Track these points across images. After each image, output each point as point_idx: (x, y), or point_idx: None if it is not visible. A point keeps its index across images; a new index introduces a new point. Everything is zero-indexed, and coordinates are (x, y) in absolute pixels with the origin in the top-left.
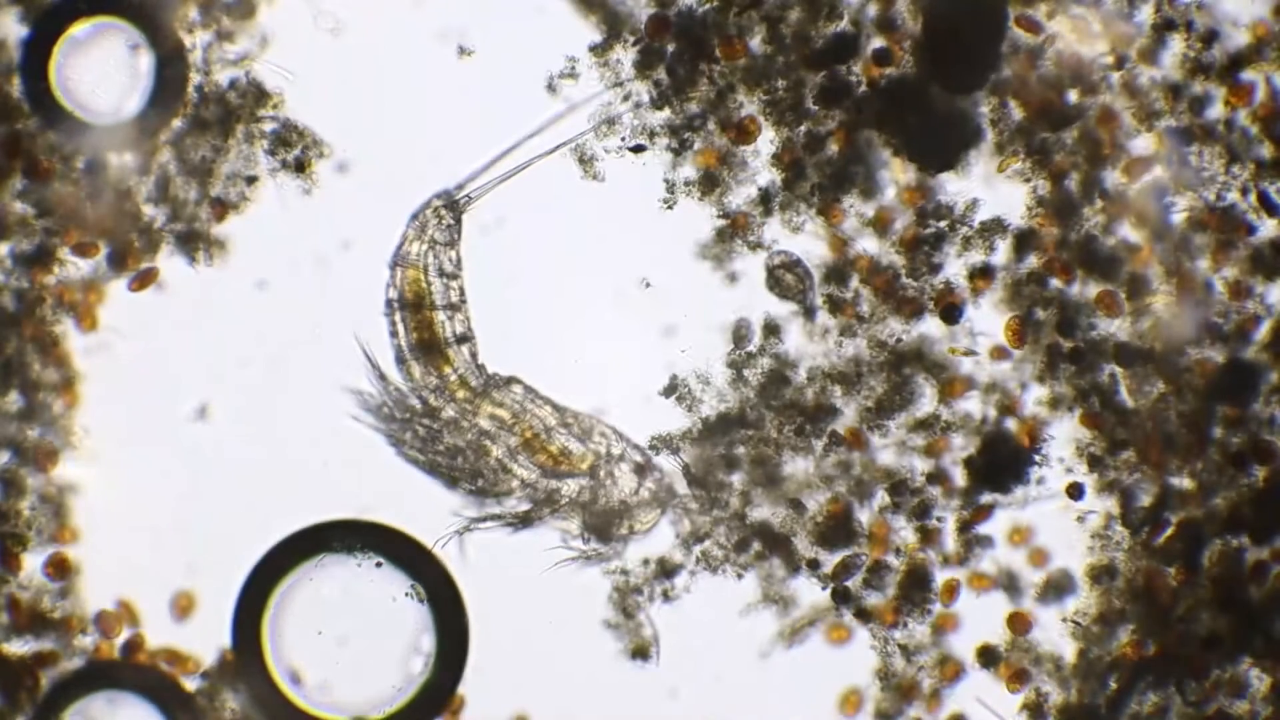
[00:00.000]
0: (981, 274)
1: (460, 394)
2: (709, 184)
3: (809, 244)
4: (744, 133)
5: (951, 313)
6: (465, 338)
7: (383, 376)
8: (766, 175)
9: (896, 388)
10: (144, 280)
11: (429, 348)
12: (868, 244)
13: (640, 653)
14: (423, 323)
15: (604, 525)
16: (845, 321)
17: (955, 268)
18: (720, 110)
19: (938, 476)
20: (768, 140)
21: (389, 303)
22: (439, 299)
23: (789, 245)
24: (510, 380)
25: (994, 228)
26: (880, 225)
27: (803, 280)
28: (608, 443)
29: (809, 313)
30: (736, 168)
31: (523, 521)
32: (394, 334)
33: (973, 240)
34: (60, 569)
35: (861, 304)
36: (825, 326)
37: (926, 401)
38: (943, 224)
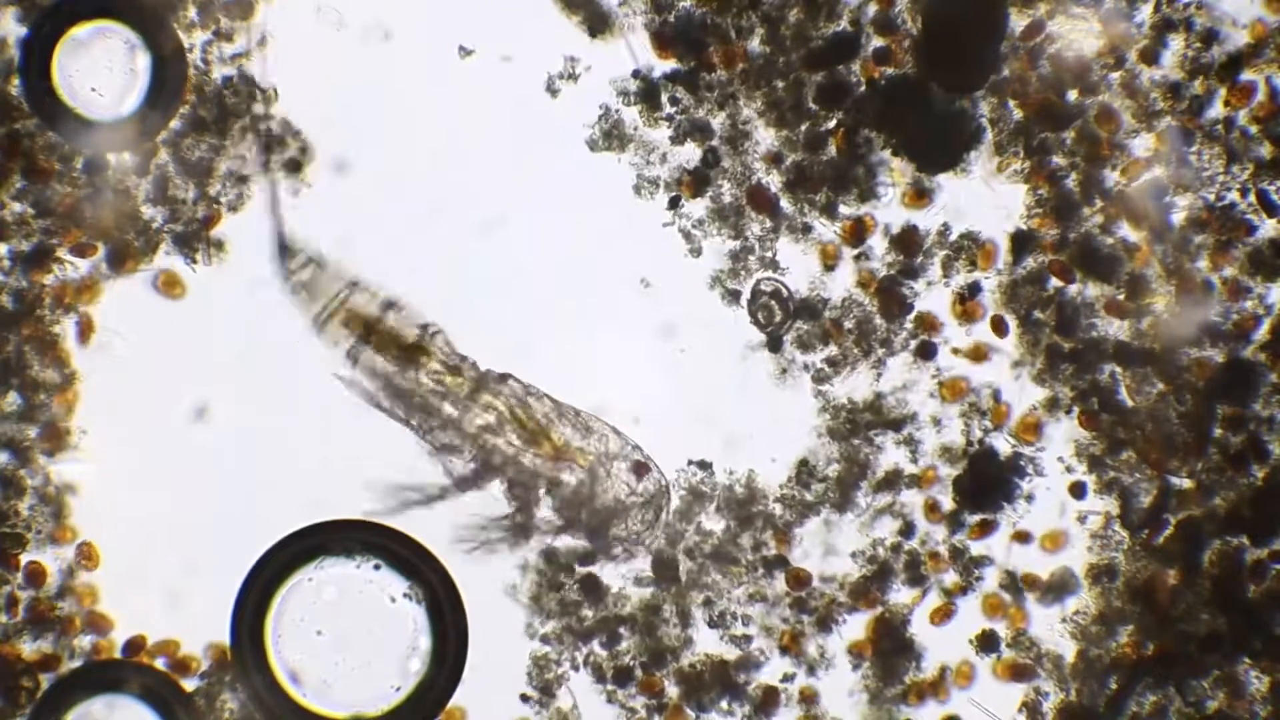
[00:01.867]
0: (969, 293)
1: (457, 385)
2: (721, 218)
3: (801, 264)
4: (758, 202)
5: (927, 350)
6: (431, 328)
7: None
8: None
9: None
10: (168, 282)
11: (403, 351)
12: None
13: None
14: (382, 338)
15: (600, 524)
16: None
17: (933, 299)
18: (739, 150)
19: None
20: (767, 140)
21: (349, 354)
22: (373, 307)
23: (785, 257)
24: (504, 377)
25: (969, 247)
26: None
27: (778, 313)
28: (606, 441)
29: (775, 344)
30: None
31: (522, 531)
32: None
33: (953, 262)
34: (38, 577)
35: (831, 346)
36: (790, 359)
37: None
38: (916, 259)
